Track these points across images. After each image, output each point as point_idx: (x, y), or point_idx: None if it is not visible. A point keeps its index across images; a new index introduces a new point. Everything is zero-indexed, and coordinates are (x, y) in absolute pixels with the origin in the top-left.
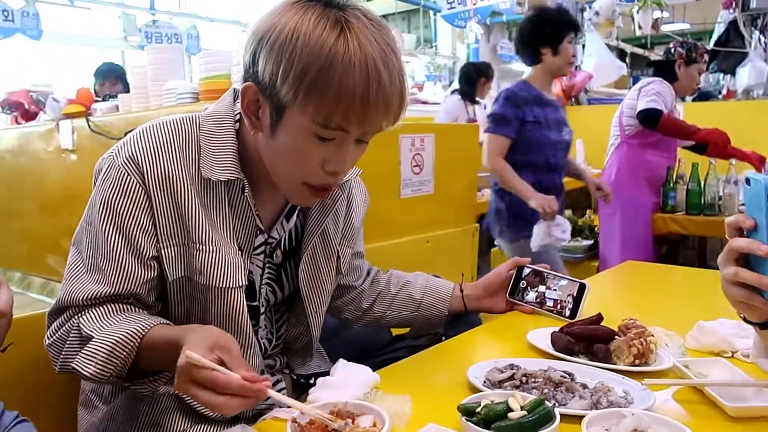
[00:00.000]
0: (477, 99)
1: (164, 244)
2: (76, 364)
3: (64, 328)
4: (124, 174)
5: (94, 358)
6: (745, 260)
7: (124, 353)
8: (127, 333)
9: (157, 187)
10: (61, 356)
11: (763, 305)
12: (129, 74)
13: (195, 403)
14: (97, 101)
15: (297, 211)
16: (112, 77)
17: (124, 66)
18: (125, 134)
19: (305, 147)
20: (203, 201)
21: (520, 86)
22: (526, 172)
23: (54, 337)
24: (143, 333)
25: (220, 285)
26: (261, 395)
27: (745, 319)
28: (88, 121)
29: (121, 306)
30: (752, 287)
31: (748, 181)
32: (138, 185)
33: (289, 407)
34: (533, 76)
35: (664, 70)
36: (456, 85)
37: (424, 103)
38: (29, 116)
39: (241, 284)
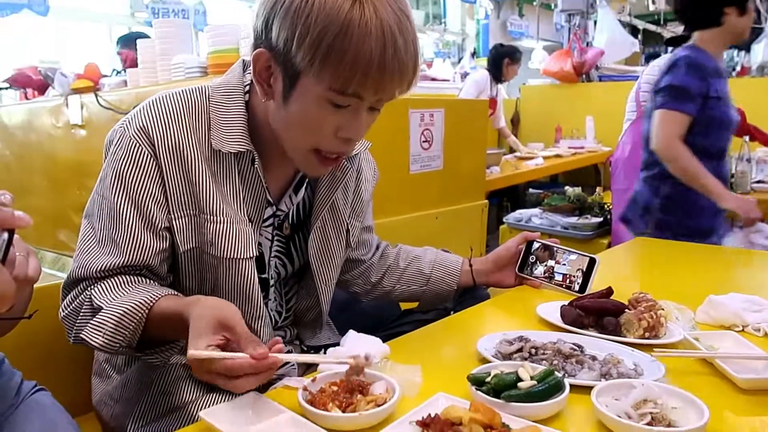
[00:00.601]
0: (502, 79)
1: (176, 215)
2: (85, 335)
3: (77, 301)
4: (136, 144)
5: (102, 328)
6: None
7: (133, 324)
8: (134, 303)
9: (168, 157)
10: (75, 328)
11: None
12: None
13: None
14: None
15: (305, 184)
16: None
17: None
18: (134, 108)
19: (319, 114)
20: (213, 172)
21: (698, 53)
22: (702, 160)
23: (68, 310)
24: (151, 304)
25: (231, 256)
26: (274, 367)
27: None
28: (96, 96)
29: (133, 278)
30: None
31: None
32: (149, 156)
33: (300, 376)
34: (707, 41)
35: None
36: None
37: (434, 79)
38: (39, 91)
39: (251, 255)
